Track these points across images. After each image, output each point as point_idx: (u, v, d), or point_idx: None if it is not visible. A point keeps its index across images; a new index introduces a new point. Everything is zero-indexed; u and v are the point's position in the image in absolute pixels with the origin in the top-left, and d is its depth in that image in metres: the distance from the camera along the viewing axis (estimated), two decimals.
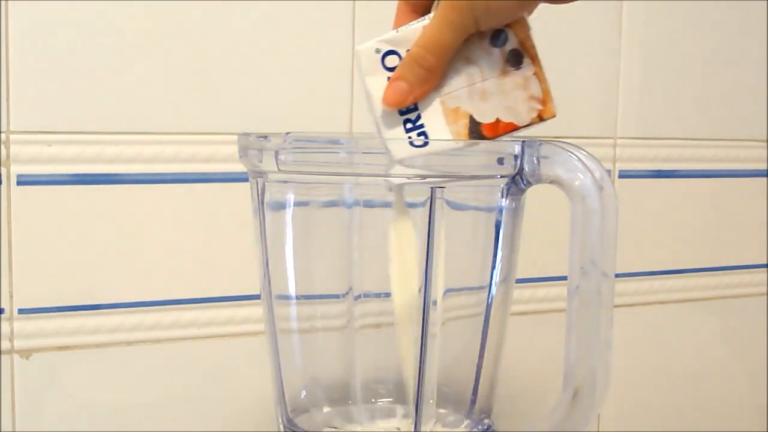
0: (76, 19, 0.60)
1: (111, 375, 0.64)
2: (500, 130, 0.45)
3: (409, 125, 0.45)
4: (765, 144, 0.83)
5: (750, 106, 0.82)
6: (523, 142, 0.45)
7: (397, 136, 0.44)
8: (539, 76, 0.45)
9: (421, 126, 0.44)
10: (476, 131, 0.45)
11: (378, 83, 0.44)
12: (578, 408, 0.45)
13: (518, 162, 0.45)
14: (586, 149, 0.45)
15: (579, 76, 0.75)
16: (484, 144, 0.46)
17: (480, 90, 0.44)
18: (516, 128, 0.45)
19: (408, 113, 0.44)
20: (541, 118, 0.45)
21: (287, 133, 0.46)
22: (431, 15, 0.43)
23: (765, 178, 0.84)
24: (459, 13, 0.42)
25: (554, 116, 0.45)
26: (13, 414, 0.62)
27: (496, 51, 0.44)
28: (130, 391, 0.64)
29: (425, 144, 0.44)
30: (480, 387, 0.50)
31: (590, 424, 0.45)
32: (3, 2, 0.59)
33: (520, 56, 0.45)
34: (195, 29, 0.63)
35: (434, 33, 0.42)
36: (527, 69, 0.45)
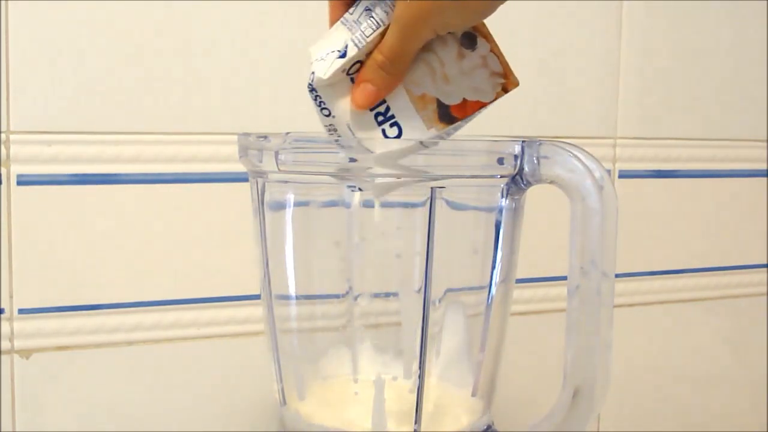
0: (76, 19, 0.60)
1: (111, 375, 0.64)
2: (468, 109, 0.45)
3: (380, 118, 0.45)
4: (765, 144, 0.83)
5: (750, 106, 0.82)
6: (522, 142, 0.45)
7: (370, 134, 0.45)
8: (495, 51, 0.45)
9: (392, 117, 0.45)
10: (446, 114, 0.45)
11: (342, 90, 0.45)
12: (578, 408, 0.45)
13: (518, 162, 0.45)
14: (586, 149, 0.45)
15: (579, 76, 0.75)
16: (483, 143, 0.46)
17: (442, 75, 0.45)
18: (483, 105, 0.45)
19: (377, 107, 0.45)
20: (505, 90, 0.46)
21: (287, 133, 0.46)
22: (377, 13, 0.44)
23: (765, 178, 0.84)
24: (418, 29, 0.43)
25: (517, 85, 0.46)
26: (13, 414, 0.62)
27: (449, 37, 0.45)
28: (131, 391, 0.64)
29: (399, 135, 0.44)
30: (480, 386, 0.50)
31: (590, 424, 0.45)
32: (3, 2, 0.59)
33: (473, 38, 0.45)
34: (195, 29, 0.63)
35: (395, 44, 0.43)
36: (483, 48, 0.45)
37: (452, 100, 0.45)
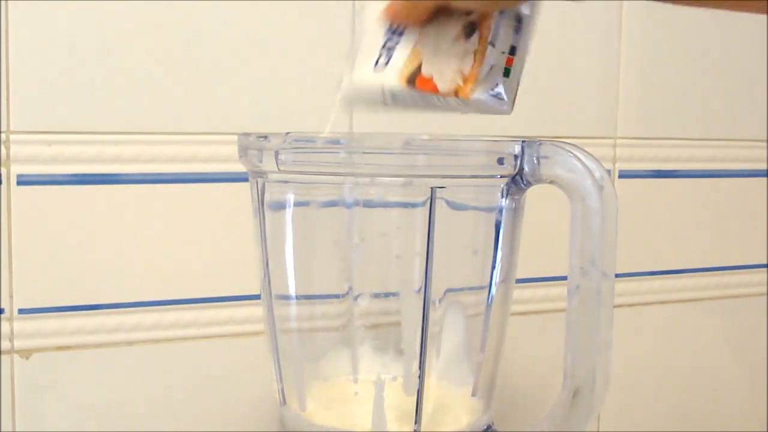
0: (76, 19, 0.60)
1: (111, 375, 0.64)
2: (426, 85, 0.45)
3: (389, 43, 0.45)
4: (765, 144, 0.83)
5: (750, 106, 0.82)
6: (522, 142, 0.45)
7: (374, 51, 0.45)
8: (477, 55, 0.45)
9: (392, 49, 0.45)
10: (413, 77, 0.44)
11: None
12: (578, 408, 0.45)
13: (518, 162, 0.45)
14: (586, 149, 0.45)
15: (579, 76, 0.75)
16: (483, 143, 0.46)
17: (436, 43, 0.45)
18: (435, 92, 0.45)
19: (393, 31, 0.45)
20: (455, 94, 0.45)
21: (287, 133, 0.46)
22: None
23: (765, 178, 0.84)
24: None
25: (467, 98, 0.45)
26: (13, 414, 0.62)
27: (462, 18, 0.44)
28: (130, 391, 0.64)
29: (388, 62, 0.44)
30: (480, 386, 0.50)
31: (590, 423, 0.45)
32: (3, 2, 0.59)
33: (473, 29, 0.45)
34: (195, 29, 0.63)
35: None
36: (471, 44, 0.45)
37: (427, 72, 0.45)
